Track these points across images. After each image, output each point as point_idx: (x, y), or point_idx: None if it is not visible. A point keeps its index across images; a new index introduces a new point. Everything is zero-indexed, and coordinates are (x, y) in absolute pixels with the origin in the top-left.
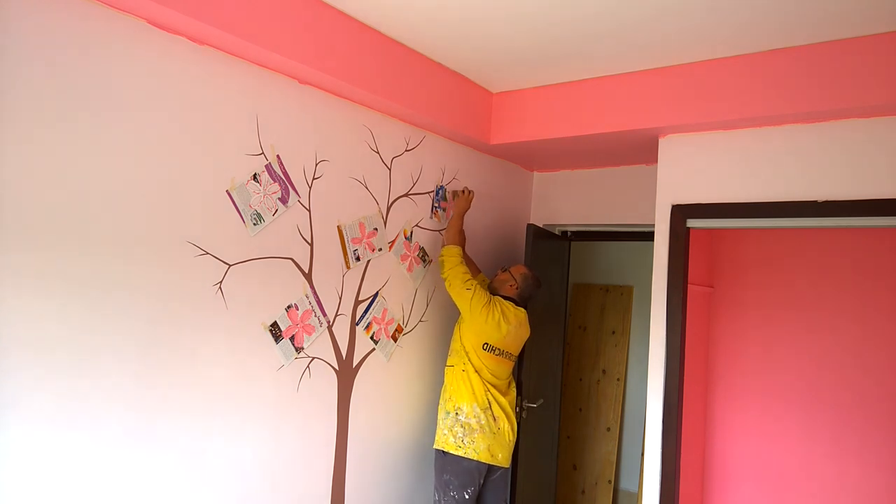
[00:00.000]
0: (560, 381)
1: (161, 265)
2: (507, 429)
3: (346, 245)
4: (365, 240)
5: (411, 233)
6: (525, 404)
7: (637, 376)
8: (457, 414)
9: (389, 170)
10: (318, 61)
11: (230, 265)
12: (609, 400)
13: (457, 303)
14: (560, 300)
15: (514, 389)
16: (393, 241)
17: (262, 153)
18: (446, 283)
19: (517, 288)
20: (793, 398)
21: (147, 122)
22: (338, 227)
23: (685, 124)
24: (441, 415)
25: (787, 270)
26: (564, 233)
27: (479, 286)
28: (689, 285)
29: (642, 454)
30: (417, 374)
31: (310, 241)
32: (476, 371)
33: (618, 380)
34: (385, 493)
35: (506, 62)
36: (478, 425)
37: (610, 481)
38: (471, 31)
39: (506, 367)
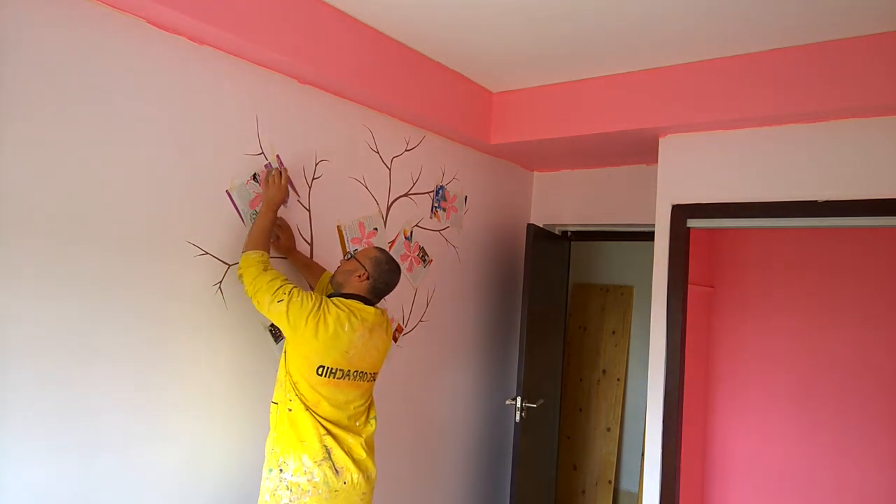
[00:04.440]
0: (560, 381)
1: (161, 265)
2: (357, 481)
3: (346, 245)
4: (365, 240)
5: (411, 233)
6: (525, 404)
7: (637, 376)
8: (281, 471)
9: (389, 170)
10: (318, 61)
11: (230, 265)
12: (609, 400)
13: (275, 324)
14: (560, 300)
15: (374, 420)
16: (393, 241)
17: (262, 153)
18: (254, 303)
19: (368, 278)
20: (793, 398)
21: (146, 121)
22: (338, 227)
23: (685, 124)
24: (264, 472)
25: (787, 270)
26: (564, 233)
27: (297, 291)
28: (689, 285)
29: (642, 454)
30: (418, 374)
31: (310, 240)
32: (308, 409)
33: (618, 380)
34: (383, 493)
35: (506, 62)
36: (310, 485)
37: (610, 481)
38: (471, 31)
39: (358, 394)
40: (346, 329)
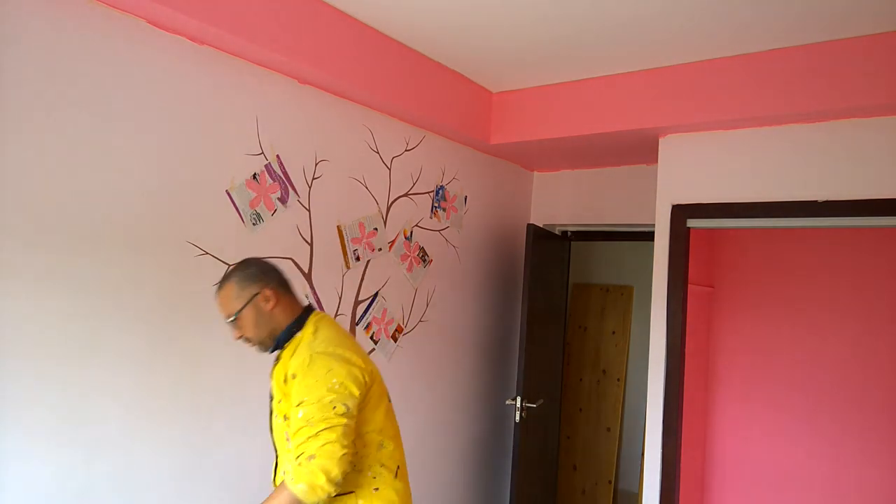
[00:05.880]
0: (560, 381)
1: (161, 265)
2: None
3: (346, 245)
4: (365, 240)
5: (411, 233)
6: (525, 404)
7: (637, 376)
8: None
9: (389, 170)
10: (318, 61)
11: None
12: (609, 400)
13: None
14: (560, 300)
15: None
16: (393, 241)
17: (262, 153)
18: (328, 467)
19: (276, 296)
20: (793, 398)
21: (147, 122)
22: (338, 227)
23: (685, 124)
24: None
25: (787, 270)
26: (564, 233)
27: (340, 402)
28: (689, 285)
29: (642, 454)
30: (418, 375)
31: (309, 241)
32: (396, 475)
33: (618, 380)
34: None
35: (506, 62)
36: None
37: (610, 481)
38: (471, 31)
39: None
40: (353, 366)
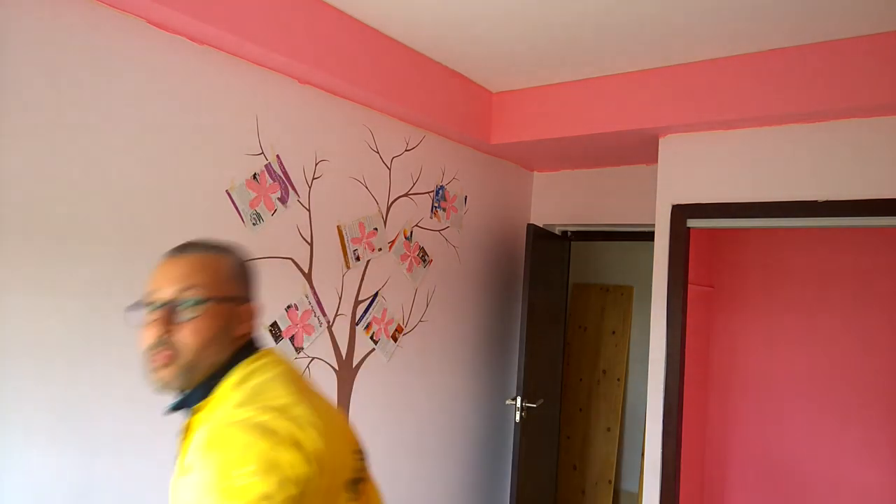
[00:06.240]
0: (560, 381)
1: None
2: None
3: (346, 245)
4: (365, 240)
5: (411, 233)
6: (525, 404)
7: (637, 376)
8: None
9: (389, 170)
10: (318, 61)
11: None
12: (609, 400)
13: None
14: (560, 300)
15: None
16: (393, 241)
17: (262, 153)
18: None
19: (252, 322)
20: (793, 398)
21: (147, 122)
22: (338, 227)
23: (685, 124)
24: None
25: (787, 270)
26: (564, 233)
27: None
28: (689, 285)
29: (642, 454)
30: (418, 374)
31: (309, 241)
32: None
33: (618, 380)
34: (385, 493)
35: (506, 62)
36: None
37: (610, 481)
38: (471, 31)
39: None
40: (311, 430)
